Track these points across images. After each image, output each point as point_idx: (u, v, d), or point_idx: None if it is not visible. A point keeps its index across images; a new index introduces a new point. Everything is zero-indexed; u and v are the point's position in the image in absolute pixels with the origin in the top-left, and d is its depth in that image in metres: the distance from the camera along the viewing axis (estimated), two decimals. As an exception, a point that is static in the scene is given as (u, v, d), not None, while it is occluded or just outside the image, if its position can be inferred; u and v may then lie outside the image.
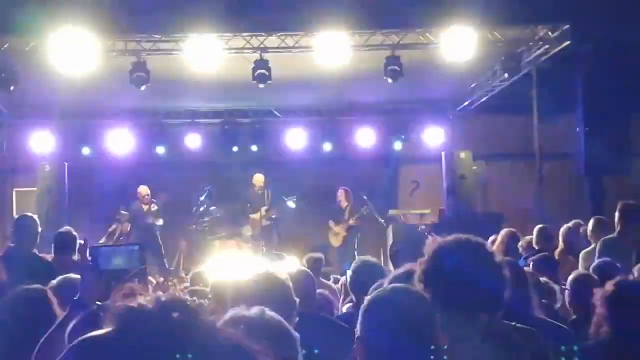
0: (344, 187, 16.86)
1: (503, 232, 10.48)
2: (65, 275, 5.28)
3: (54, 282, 5.14)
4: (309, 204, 17.93)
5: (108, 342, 1.61)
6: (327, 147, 18.45)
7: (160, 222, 16.16)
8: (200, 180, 17.42)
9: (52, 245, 8.72)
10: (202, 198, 16.59)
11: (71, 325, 3.22)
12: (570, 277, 6.30)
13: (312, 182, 18.27)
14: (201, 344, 1.54)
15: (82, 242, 8.53)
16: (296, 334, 2.69)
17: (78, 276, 5.15)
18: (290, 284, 4.08)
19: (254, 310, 2.68)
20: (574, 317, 5.96)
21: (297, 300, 4.07)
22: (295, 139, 18.49)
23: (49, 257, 8.69)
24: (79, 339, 1.77)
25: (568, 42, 13.63)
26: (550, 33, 13.91)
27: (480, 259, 3.39)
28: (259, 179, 16.64)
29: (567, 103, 14.42)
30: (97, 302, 3.45)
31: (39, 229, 8.25)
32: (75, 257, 8.42)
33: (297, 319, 3.81)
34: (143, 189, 16.32)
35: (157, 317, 1.60)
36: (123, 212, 16.09)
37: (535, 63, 14.74)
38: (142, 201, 16.24)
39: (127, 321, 1.61)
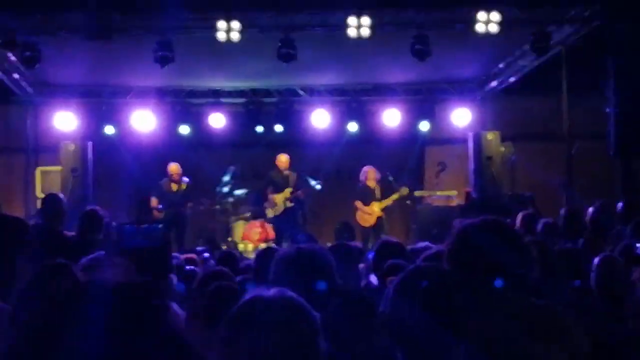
0: (370, 166, 16.61)
1: (520, 215, 10.39)
2: (96, 254, 5.27)
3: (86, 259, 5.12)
4: (334, 185, 17.87)
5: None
6: (353, 127, 18.33)
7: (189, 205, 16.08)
8: (224, 160, 17.39)
9: (78, 223, 8.74)
10: (225, 178, 16.52)
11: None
12: (596, 260, 6.22)
13: (336, 162, 18.23)
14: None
15: (107, 220, 8.62)
16: (315, 314, 2.65)
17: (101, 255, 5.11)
18: (334, 263, 4.04)
19: (273, 291, 2.65)
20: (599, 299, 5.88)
21: (339, 282, 4.06)
22: (320, 119, 18.37)
23: (72, 235, 8.74)
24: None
25: (599, 22, 13.47)
26: (580, 12, 13.74)
27: (506, 240, 3.40)
28: (283, 159, 16.46)
29: (597, 83, 14.27)
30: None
31: (65, 207, 8.29)
32: (102, 235, 8.47)
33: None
34: (173, 167, 16.17)
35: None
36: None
37: (564, 43, 14.59)
38: (171, 179, 16.12)
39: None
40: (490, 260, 3.29)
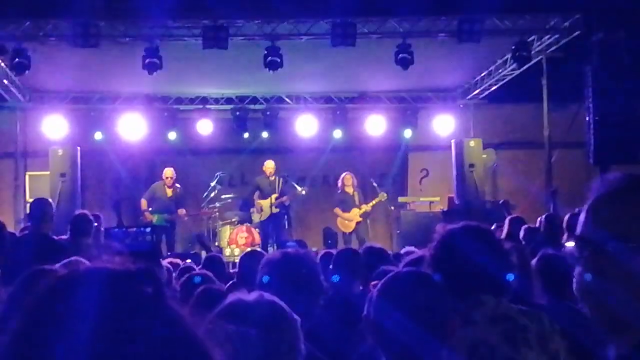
0: (348, 172, 16.75)
1: (508, 219, 10.56)
2: (71, 258, 5.32)
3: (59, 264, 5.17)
4: (319, 191, 18.06)
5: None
6: (338, 134, 18.45)
7: (182, 211, 16.19)
8: (211, 166, 17.49)
9: (69, 228, 8.83)
10: (212, 184, 16.65)
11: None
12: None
13: (322, 168, 18.42)
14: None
15: (96, 224, 8.72)
16: (296, 317, 2.71)
17: (82, 259, 5.20)
18: (319, 268, 4.10)
19: (253, 295, 2.71)
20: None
21: (325, 283, 4.10)
22: (306, 126, 18.52)
23: (61, 238, 8.80)
24: None
25: (579, 32, 13.68)
26: (561, 22, 13.95)
27: (487, 245, 3.46)
28: (269, 165, 16.62)
29: (576, 92, 14.48)
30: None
31: (53, 211, 8.36)
32: (91, 240, 8.56)
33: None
34: (168, 172, 16.33)
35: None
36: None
37: (545, 52, 14.79)
38: (165, 183, 16.29)
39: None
40: (471, 265, 3.33)
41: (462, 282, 3.32)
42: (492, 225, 10.13)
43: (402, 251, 8.54)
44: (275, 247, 15.33)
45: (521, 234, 10.09)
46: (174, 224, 16.23)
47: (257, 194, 16.68)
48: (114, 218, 15.17)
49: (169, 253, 14.18)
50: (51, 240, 7.97)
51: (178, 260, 9.61)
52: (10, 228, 15.91)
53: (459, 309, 3.24)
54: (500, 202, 15.77)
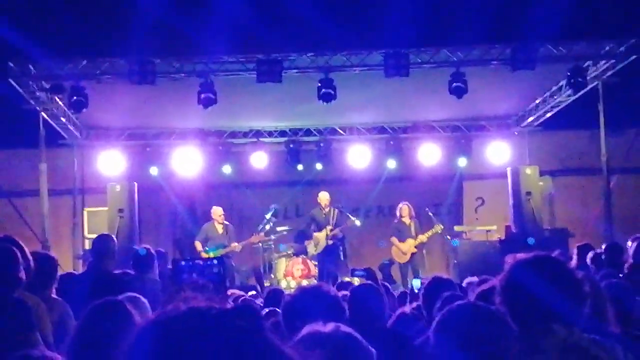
0: (405, 202, 16.79)
1: (577, 247, 10.46)
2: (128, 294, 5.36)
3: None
4: (374, 222, 18.02)
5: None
6: (391, 164, 18.43)
7: (238, 247, 16.15)
8: (265, 199, 17.57)
9: (131, 264, 8.90)
10: (267, 216, 16.70)
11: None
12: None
13: (376, 199, 18.43)
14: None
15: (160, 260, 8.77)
16: (372, 350, 2.70)
17: (136, 294, 5.23)
18: (339, 295, 4.12)
19: (330, 327, 2.71)
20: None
21: (346, 309, 4.12)
22: (360, 156, 18.53)
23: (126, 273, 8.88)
24: None
25: (635, 56, 13.54)
26: (616, 47, 13.81)
27: (559, 275, 3.41)
28: (324, 197, 16.65)
29: (634, 117, 14.32)
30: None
31: (116, 247, 8.45)
32: (152, 274, 8.62)
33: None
34: (216, 210, 16.42)
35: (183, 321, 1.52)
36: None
37: (601, 77, 14.63)
38: (215, 221, 16.37)
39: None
40: (542, 295, 3.30)
41: (533, 313, 3.28)
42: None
43: (465, 282, 8.47)
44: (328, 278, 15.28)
45: (588, 260, 9.97)
46: (230, 258, 16.28)
47: (313, 226, 16.69)
48: (172, 254, 15.28)
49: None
50: (113, 277, 8.02)
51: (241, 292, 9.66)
52: (69, 264, 16.33)
53: (525, 337, 3.22)
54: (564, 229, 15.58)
